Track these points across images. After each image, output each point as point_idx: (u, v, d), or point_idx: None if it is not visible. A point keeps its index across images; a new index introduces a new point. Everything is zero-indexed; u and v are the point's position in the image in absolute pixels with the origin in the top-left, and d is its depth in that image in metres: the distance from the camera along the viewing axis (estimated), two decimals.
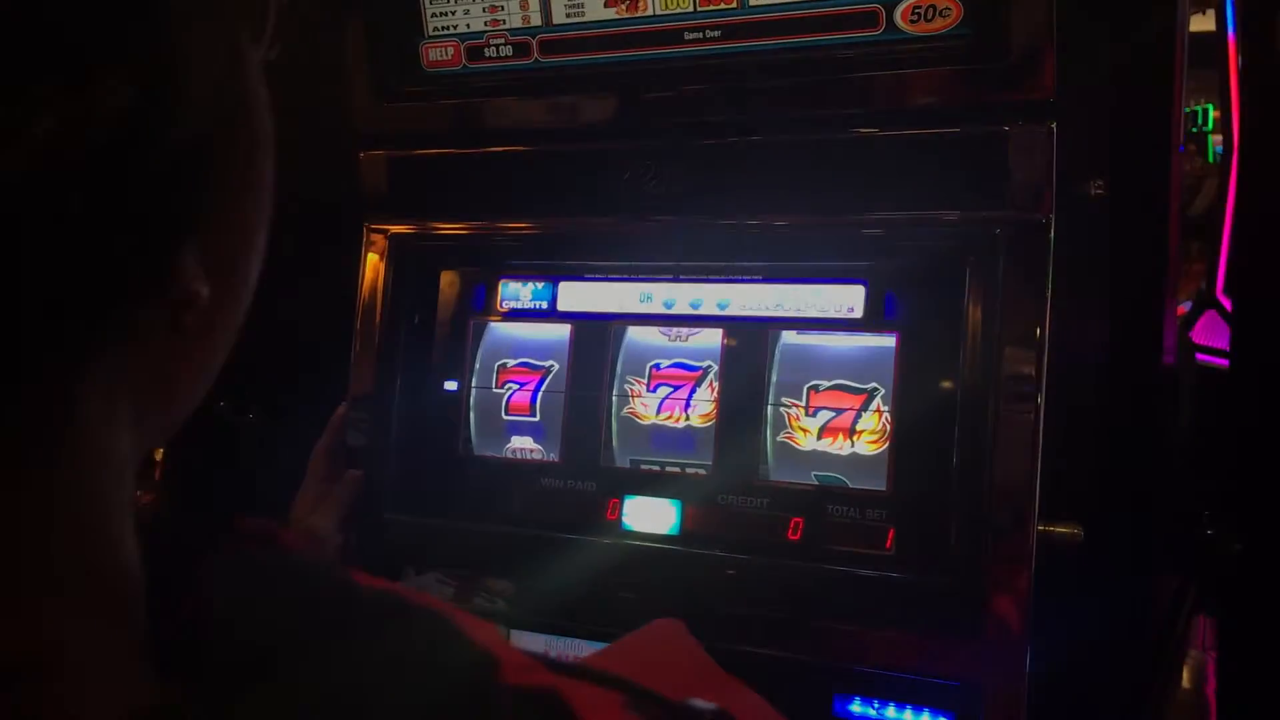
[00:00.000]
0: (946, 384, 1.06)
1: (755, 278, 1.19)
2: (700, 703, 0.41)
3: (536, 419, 1.27)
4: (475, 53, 1.22)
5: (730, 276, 1.20)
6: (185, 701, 0.33)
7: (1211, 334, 2.24)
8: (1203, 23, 2.24)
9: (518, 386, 1.28)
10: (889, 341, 1.12)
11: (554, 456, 1.26)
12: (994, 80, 1.02)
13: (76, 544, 0.35)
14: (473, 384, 1.31)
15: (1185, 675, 1.37)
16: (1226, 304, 2.24)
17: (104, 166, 0.31)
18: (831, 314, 1.15)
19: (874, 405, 1.11)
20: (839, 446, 1.12)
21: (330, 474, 1.25)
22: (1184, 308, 2.31)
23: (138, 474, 0.39)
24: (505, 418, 1.28)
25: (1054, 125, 1.01)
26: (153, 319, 0.36)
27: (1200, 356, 1.53)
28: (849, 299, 1.14)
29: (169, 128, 0.33)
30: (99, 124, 0.31)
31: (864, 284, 1.13)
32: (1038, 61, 1.00)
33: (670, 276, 1.23)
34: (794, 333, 1.17)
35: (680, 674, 0.49)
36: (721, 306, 1.20)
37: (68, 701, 0.32)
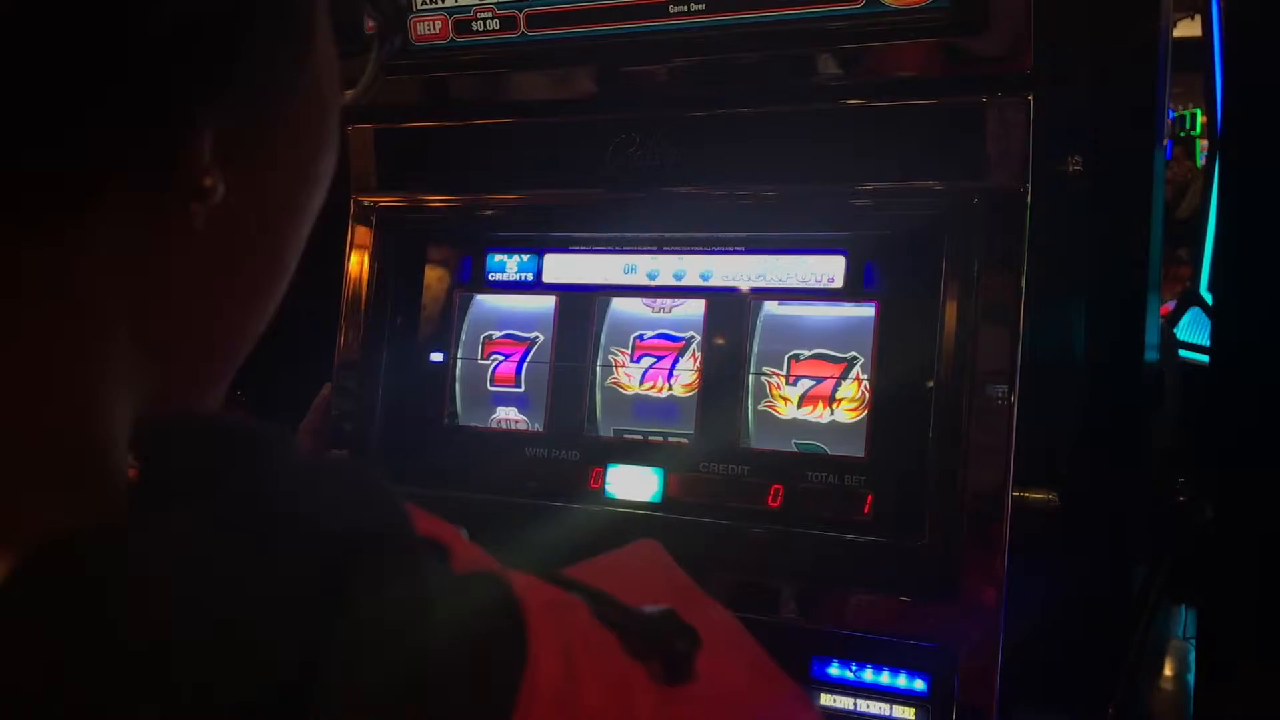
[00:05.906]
0: (925, 352, 1.08)
1: (737, 249, 1.20)
2: (651, 607, 0.41)
3: (521, 390, 1.28)
4: (463, 26, 1.23)
5: (713, 248, 1.22)
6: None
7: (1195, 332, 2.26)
8: (1190, 28, 2.26)
9: (503, 358, 1.29)
10: (868, 311, 1.13)
11: (538, 427, 1.27)
12: (973, 52, 1.03)
13: (62, 435, 0.33)
14: (458, 355, 1.32)
15: (1168, 665, 1.38)
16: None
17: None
18: (812, 284, 1.16)
19: (853, 374, 1.13)
20: (819, 414, 1.14)
21: (315, 453, 1.26)
22: (1169, 306, 2.32)
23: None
24: (490, 389, 1.30)
25: (1031, 97, 1.02)
26: (158, 202, 0.34)
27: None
28: (829, 269, 1.15)
29: None
30: None
31: (844, 254, 1.15)
32: (1016, 33, 1.01)
33: (654, 248, 1.24)
34: (775, 303, 1.18)
35: (654, 589, 0.50)
36: (704, 277, 1.21)
37: None
